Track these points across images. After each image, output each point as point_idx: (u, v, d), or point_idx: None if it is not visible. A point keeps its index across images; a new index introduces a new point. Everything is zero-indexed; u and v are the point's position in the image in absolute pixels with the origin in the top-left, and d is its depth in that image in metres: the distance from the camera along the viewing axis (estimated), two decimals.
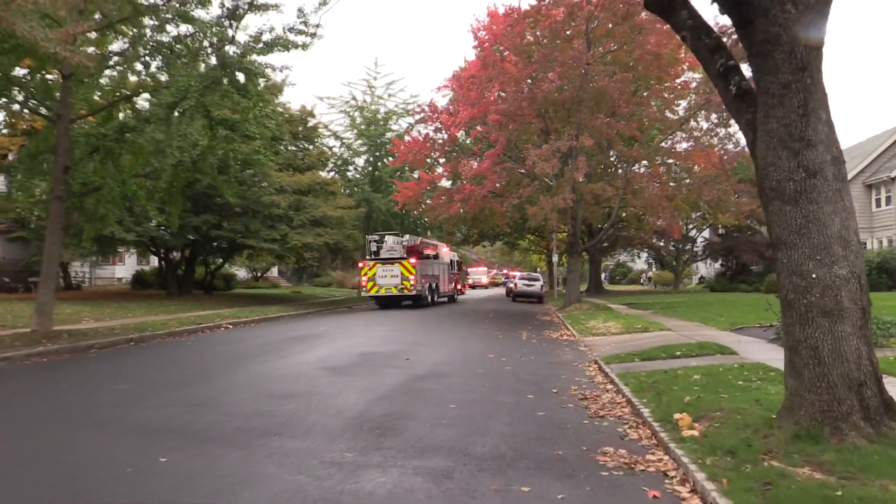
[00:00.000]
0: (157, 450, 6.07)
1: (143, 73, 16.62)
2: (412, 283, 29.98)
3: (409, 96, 54.64)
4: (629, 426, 7.29)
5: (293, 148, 37.02)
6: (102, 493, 5.01)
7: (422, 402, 8.51)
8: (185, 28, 15.71)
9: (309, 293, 44.70)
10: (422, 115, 32.05)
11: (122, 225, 25.71)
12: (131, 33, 15.61)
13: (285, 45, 16.11)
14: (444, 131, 30.43)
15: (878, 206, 37.20)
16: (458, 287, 42.38)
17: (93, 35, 16.08)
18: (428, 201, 31.73)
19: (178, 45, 15.54)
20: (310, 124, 37.61)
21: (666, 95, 29.21)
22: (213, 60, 15.65)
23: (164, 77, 16.19)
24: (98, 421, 7.34)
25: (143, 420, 7.34)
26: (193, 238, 30.08)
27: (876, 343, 8.88)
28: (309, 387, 9.43)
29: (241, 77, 16.08)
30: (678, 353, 11.93)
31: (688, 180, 29.73)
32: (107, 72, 16.63)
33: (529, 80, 26.50)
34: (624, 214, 36.32)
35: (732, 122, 28.34)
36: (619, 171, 30.23)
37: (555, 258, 41.89)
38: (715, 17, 35.64)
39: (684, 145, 29.98)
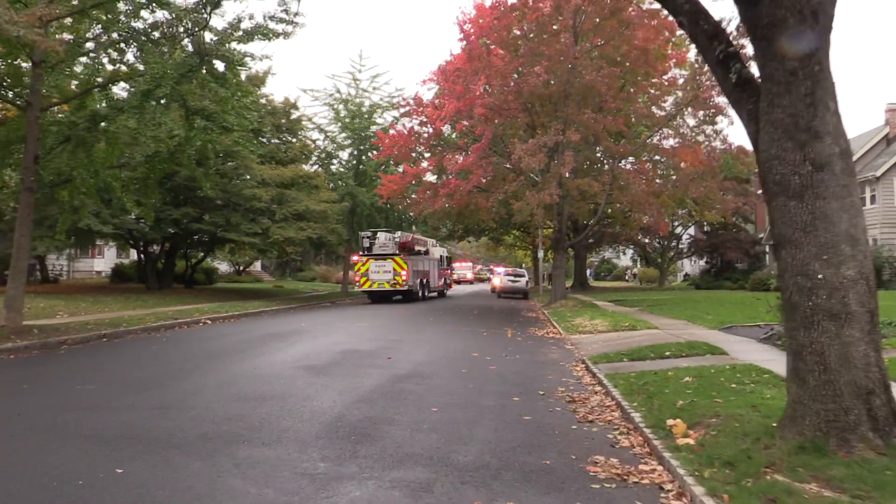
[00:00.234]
0: (114, 459, 5.62)
1: (118, 60, 16.10)
2: (404, 278, 30.87)
3: (395, 90, 53.71)
4: (620, 432, 6.93)
5: (276, 141, 36.39)
6: None
7: (402, 404, 8.11)
8: (161, 14, 15.24)
9: (292, 288, 44.13)
10: (407, 108, 31.64)
11: (99, 217, 25.09)
12: (105, 18, 15.05)
13: (265, 33, 15.64)
14: (429, 125, 30.02)
15: (864, 204, 37.23)
16: (448, 282, 43.81)
17: (69, 21, 15.54)
18: (413, 196, 31.33)
19: (153, 32, 15.03)
20: (293, 117, 36.89)
21: (653, 91, 28.99)
22: (190, 48, 15.14)
23: (140, 66, 15.67)
24: (53, 425, 6.84)
25: (103, 424, 6.86)
26: (173, 231, 29.44)
27: None
28: (284, 388, 8.99)
29: (219, 66, 15.62)
30: (667, 352, 11.61)
31: (674, 177, 29.52)
32: (81, 59, 16.08)
33: (516, 74, 26.13)
34: (610, 211, 36.11)
35: (719, 119, 28.28)
36: (606, 166, 29.95)
37: (540, 254, 41.64)
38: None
39: (671, 142, 29.78)
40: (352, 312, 25.06)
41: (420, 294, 33.80)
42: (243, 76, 18.86)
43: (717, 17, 6.19)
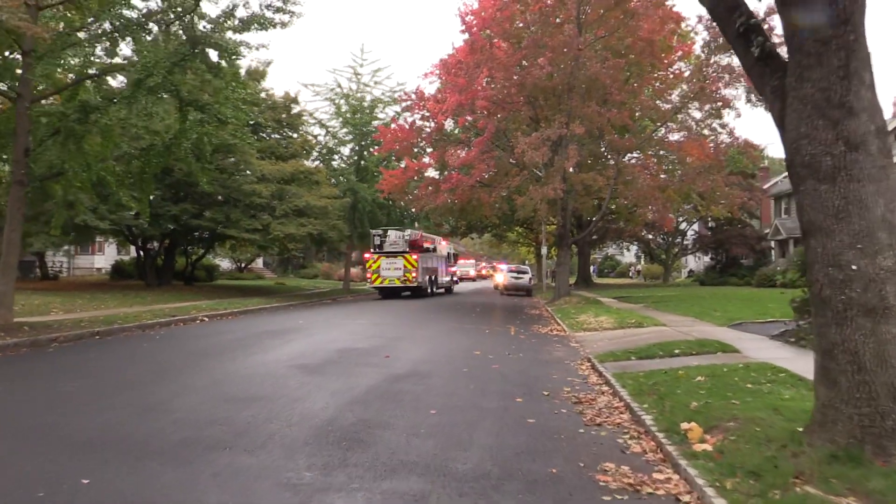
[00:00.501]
0: (83, 467, 5.17)
1: (110, 49, 15.67)
2: (414, 275, 32.09)
3: (396, 84, 53.33)
4: (630, 437, 6.47)
5: (276, 136, 35.95)
6: None
7: (398, 406, 7.65)
8: (154, 3, 14.82)
9: (294, 285, 43.73)
10: (408, 102, 31.19)
11: (96, 213, 24.69)
12: (96, 6, 14.62)
13: (262, 22, 15.23)
14: (431, 119, 29.54)
15: None
16: (455, 279, 45.80)
17: (60, 9, 15.11)
18: (415, 191, 30.88)
19: (148, 23, 14.61)
20: (293, 111, 36.47)
21: (658, 84, 28.48)
22: (183, 36, 14.71)
23: (134, 57, 15.26)
24: (25, 429, 6.40)
25: (79, 428, 6.42)
26: (172, 227, 29.07)
27: None
28: (275, 388, 8.53)
29: (213, 55, 15.18)
30: (677, 350, 11.15)
31: (680, 171, 28.98)
32: (72, 49, 15.66)
33: (519, 67, 25.63)
34: (614, 206, 35.63)
35: (725, 112, 27.79)
36: (611, 160, 29.43)
37: (544, 250, 41.21)
38: None
39: (677, 136, 29.24)
40: (353, 309, 24.64)
41: (429, 290, 34.94)
42: (243, 71, 18.51)
43: None
